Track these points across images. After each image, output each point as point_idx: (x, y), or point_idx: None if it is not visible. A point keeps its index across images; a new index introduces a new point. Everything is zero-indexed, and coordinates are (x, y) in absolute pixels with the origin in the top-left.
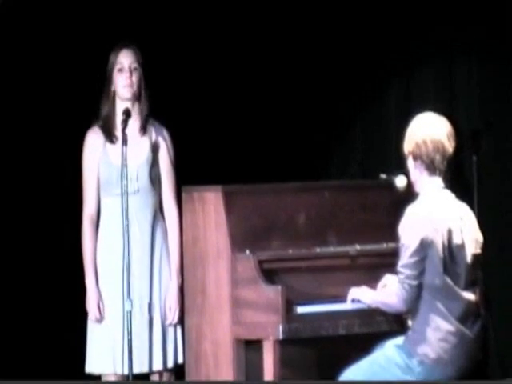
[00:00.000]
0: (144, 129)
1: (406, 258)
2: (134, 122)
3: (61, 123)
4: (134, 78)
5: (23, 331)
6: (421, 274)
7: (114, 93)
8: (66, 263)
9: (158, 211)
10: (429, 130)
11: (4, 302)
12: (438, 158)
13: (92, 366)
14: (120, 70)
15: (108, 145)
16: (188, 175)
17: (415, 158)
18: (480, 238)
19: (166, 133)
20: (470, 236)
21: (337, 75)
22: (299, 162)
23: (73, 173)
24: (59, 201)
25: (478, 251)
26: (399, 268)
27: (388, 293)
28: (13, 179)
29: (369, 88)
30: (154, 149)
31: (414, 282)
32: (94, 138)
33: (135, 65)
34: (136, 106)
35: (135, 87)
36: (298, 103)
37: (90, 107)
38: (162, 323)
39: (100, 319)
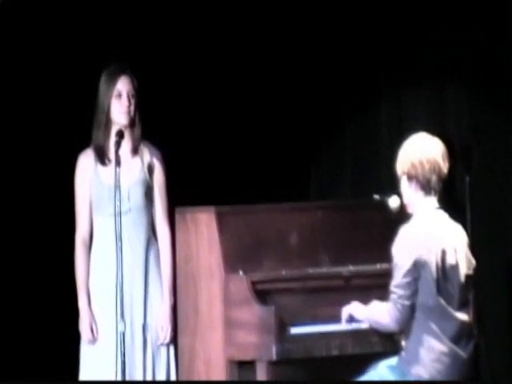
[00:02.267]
0: (136, 150)
1: (399, 278)
2: (127, 144)
3: (54, 143)
4: (132, 106)
5: (16, 352)
6: (414, 294)
7: (109, 117)
8: (59, 284)
9: (151, 231)
10: (424, 151)
11: None
12: (434, 178)
13: None
14: (118, 97)
15: (99, 165)
16: (181, 196)
17: (410, 178)
18: (472, 258)
19: (157, 153)
20: (463, 256)
21: (327, 93)
22: (290, 182)
23: (66, 194)
24: (52, 221)
25: (471, 272)
26: (392, 288)
27: (381, 312)
28: (6, 198)
29: (359, 106)
30: (146, 169)
31: (407, 302)
32: (85, 161)
33: (133, 92)
34: (129, 128)
35: (132, 114)
36: (288, 122)
37: (84, 127)
38: (154, 343)
39: (93, 340)
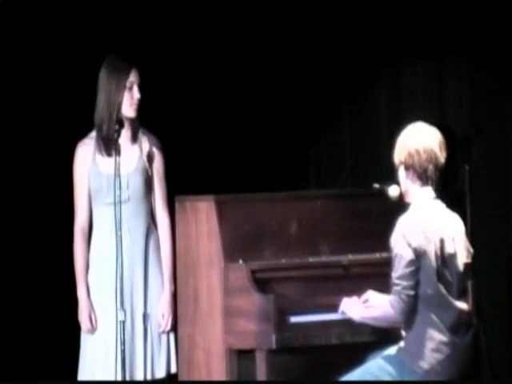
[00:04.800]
0: (135, 138)
1: (400, 269)
2: (125, 132)
3: (52, 132)
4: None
5: (15, 341)
6: (417, 284)
7: (120, 109)
8: (58, 274)
9: (151, 220)
10: (421, 140)
11: None
12: (430, 167)
13: (84, 377)
14: (129, 89)
15: (98, 155)
16: (181, 185)
17: (407, 167)
18: (470, 247)
19: (156, 141)
20: (461, 245)
21: (326, 83)
22: (290, 171)
23: (64, 184)
24: (51, 212)
25: (469, 260)
26: (395, 280)
27: (382, 308)
28: (4, 188)
29: (358, 95)
30: (145, 157)
31: (411, 292)
32: (84, 151)
33: (140, 84)
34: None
35: (138, 106)
36: (288, 111)
37: (80, 117)
38: (155, 332)
39: (92, 330)
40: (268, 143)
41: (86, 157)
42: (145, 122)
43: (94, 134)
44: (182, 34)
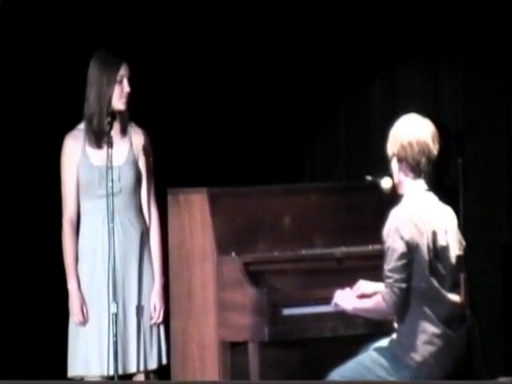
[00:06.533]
0: (124, 131)
1: (393, 262)
2: (115, 125)
3: (40, 126)
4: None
5: (4, 335)
6: (409, 276)
7: (111, 103)
8: (48, 267)
9: (141, 212)
10: (414, 132)
11: None
12: (423, 160)
13: (76, 369)
14: (119, 83)
15: (88, 147)
16: (174, 178)
17: (400, 160)
18: (463, 239)
19: (145, 135)
20: (453, 237)
21: (321, 76)
22: (284, 164)
23: (53, 176)
24: (40, 204)
25: (461, 253)
26: (387, 272)
27: (375, 299)
28: None
29: (353, 89)
30: (135, 150)
31: (403, 285)
32: (73, 143)
33: (130, 77)
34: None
35: (127, 100)
36: (282, 104)
37: (69, 109)
38: (147, 324)
39: (84, 323)
40: (262, 136)
41: (75, 149)
42: (137, 115)
43: (82, 126)
44: (172, 27)
